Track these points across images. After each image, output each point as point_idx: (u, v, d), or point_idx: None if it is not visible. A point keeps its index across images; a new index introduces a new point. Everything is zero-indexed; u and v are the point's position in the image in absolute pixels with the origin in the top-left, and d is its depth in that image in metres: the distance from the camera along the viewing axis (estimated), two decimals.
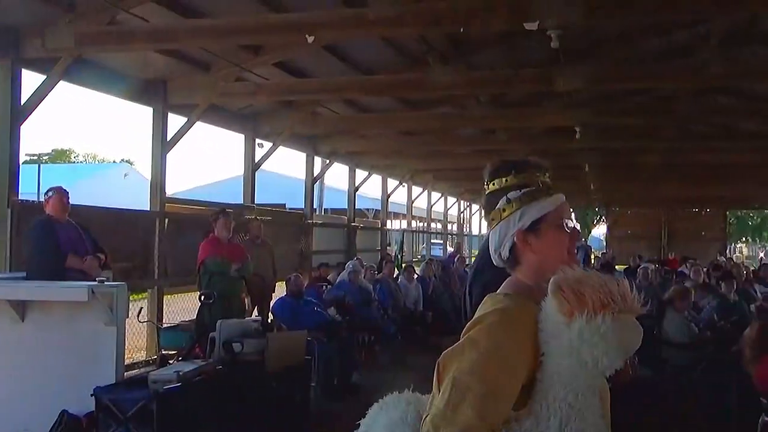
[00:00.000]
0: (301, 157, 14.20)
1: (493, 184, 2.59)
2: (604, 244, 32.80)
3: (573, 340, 1.62)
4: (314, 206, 15.17)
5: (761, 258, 35.85)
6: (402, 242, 19.87)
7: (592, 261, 18.19)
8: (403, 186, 20.76)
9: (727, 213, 32.93)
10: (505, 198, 1.96)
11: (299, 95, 10.49)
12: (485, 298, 1.84)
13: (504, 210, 1.94)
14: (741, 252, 46.79)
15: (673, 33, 10.97)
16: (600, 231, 41.83)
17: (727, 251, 32.17)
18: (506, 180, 2.55)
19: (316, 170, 14.56)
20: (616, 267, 18.83)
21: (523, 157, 2.69)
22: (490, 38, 10.04)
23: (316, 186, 15.62)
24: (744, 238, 47.23)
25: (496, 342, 1.67)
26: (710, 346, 7.63)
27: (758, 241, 47.17)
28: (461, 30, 7.73)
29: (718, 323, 8.41)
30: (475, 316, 1.78)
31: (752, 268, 15.32)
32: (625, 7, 6.30)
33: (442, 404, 1.66)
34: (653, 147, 14.46)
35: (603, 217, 36.55)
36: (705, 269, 14.41)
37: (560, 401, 1.67)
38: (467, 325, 1.77)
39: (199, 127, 10.12)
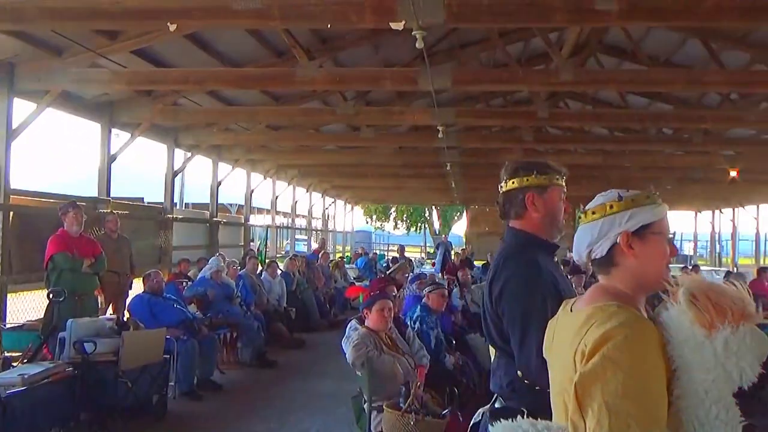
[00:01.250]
0: (161, 149, 13.72)
1: (513, 182, 2.65)
2: (464, 240, 33.94)
3: (718, 352, 1.56)
4: (174, 200, 14.69)
5: None
6: (266, 238, 19.67)
7: (452, 257, 18.75)
8: (268, 180, 20.56)
9: (577, 211, 34.90)
10: (616, 194, 1.87)
11: (159, 85, 10.11)
12: (593, 310, 1.72)
13: (612, 206, 1.85)
14: None
15: (530, 40, 11.54)
16: (460, 228, 43.20)
17: None
18: (527, 179, 2.61)
19: (177, 163, 14.11)
20: (475, 263, 19.56)
21: (543, 160, 2.75)
22: (358, 36, 10.13)
23: (177, 180, 15.14)
24: None
25: (638, 358, 1.58)
26: None
27: None
28: (328, 26, 7.74)
29: None
30: (595, 330, 1.64)
31: None
32: (482, 13, 6.54)
33: None
34: (511, 148, 15.11)
35: (463, 215, 37.76)
36: None
37: (713, 419, 1.57)
38: (593, 343, 1.63)
39: (53, 115, 9.54)
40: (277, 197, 21.85)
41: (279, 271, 12.42)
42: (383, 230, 50.17)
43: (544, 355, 1.99)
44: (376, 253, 26.60)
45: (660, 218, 1.84)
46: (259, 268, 12.35)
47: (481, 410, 2.78)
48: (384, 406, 4.64)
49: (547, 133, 15.78)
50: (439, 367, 6.07)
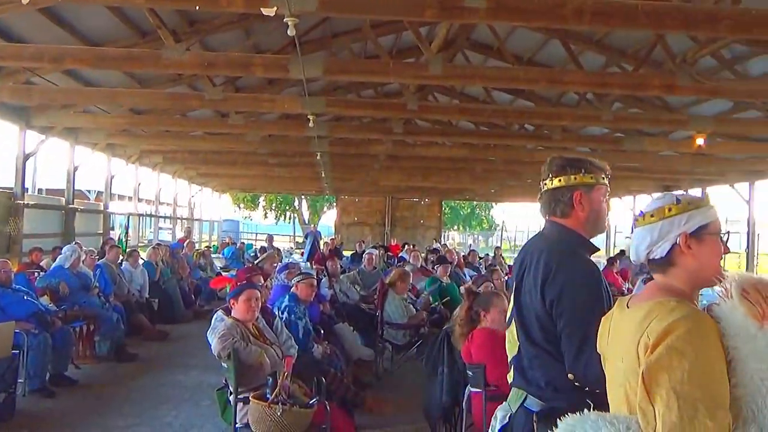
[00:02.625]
0: (12, 130, 12.82)
1: (559, 180, 2.63)
2: (334, 230, 34.07)
3: None
4: (26, 186, 13.78)
5: (470, 245, 39.70)
6: (127, 226, 18.93)
7: (321, 247, 18.74)
8: (131, 166, 19.74)
9: (443, 203, 35.99)
10: (674, 198, 1.94)
11: (10, 61, 9.38)
12: (653, 306, 1.80)
13: (670, 209, 1.92)
14: (453, 239, 51.36)
15: (402, 33, 11.68)
16: (330, 218, 43.31)
17: (442, 238, 35.10)
18: (575, 177, 2.61)
19: (30, 146, 13.24)
20: (344, 252, 19.68)
21: (587, 158, 2.69)
22: (228, 19, 9.87)
23: (29, 163, 14.23)
24: (456, 226, 51.94)
25: (700, 348, 1.67)
26: (425, 325, 8.27)
27: (468, 229, 52.12)
28: (196, 8, 7.49)
29: (433, 304, 9.16)
30: (658, 324, 1.73)
31: (462, 254, 16.89)
32: (354, 4, 6.56)
33: (676, 419, 1.62)
34: (381, 139, 15.27)
35: (333, 204, 37.89)
36: (423, 254, 15.65)
37: None
38: (656, 335, 1.71)
39: None
40: (139, 184, 21.03)
41: (141, 261, 11.97)
42: (251, 219, 49.47)
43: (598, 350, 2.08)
44: (243, 243, 26.16)
45: (714, 219, 1.96)
46: (121, 257, 11.85)
47: (502, 412, 2.70)
48: (250, 398, 4.57)
49: (416, 125, 16.07)
50: (307, 356, 6.06)
